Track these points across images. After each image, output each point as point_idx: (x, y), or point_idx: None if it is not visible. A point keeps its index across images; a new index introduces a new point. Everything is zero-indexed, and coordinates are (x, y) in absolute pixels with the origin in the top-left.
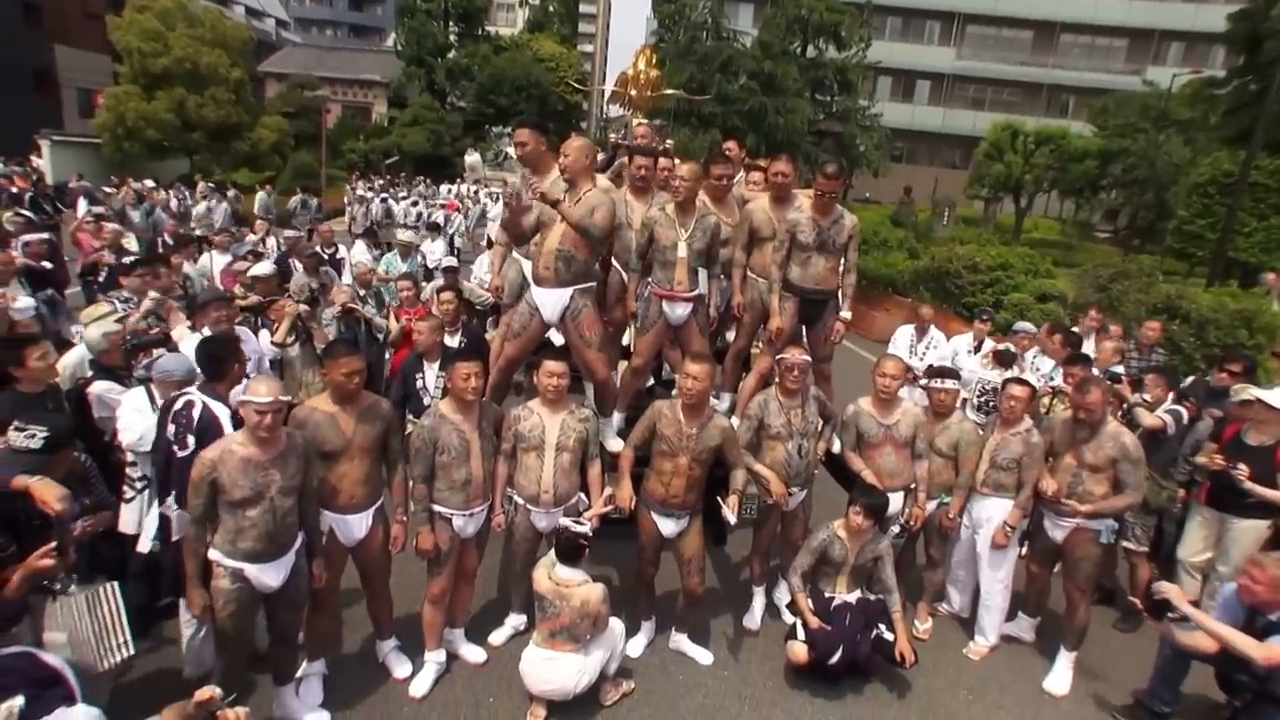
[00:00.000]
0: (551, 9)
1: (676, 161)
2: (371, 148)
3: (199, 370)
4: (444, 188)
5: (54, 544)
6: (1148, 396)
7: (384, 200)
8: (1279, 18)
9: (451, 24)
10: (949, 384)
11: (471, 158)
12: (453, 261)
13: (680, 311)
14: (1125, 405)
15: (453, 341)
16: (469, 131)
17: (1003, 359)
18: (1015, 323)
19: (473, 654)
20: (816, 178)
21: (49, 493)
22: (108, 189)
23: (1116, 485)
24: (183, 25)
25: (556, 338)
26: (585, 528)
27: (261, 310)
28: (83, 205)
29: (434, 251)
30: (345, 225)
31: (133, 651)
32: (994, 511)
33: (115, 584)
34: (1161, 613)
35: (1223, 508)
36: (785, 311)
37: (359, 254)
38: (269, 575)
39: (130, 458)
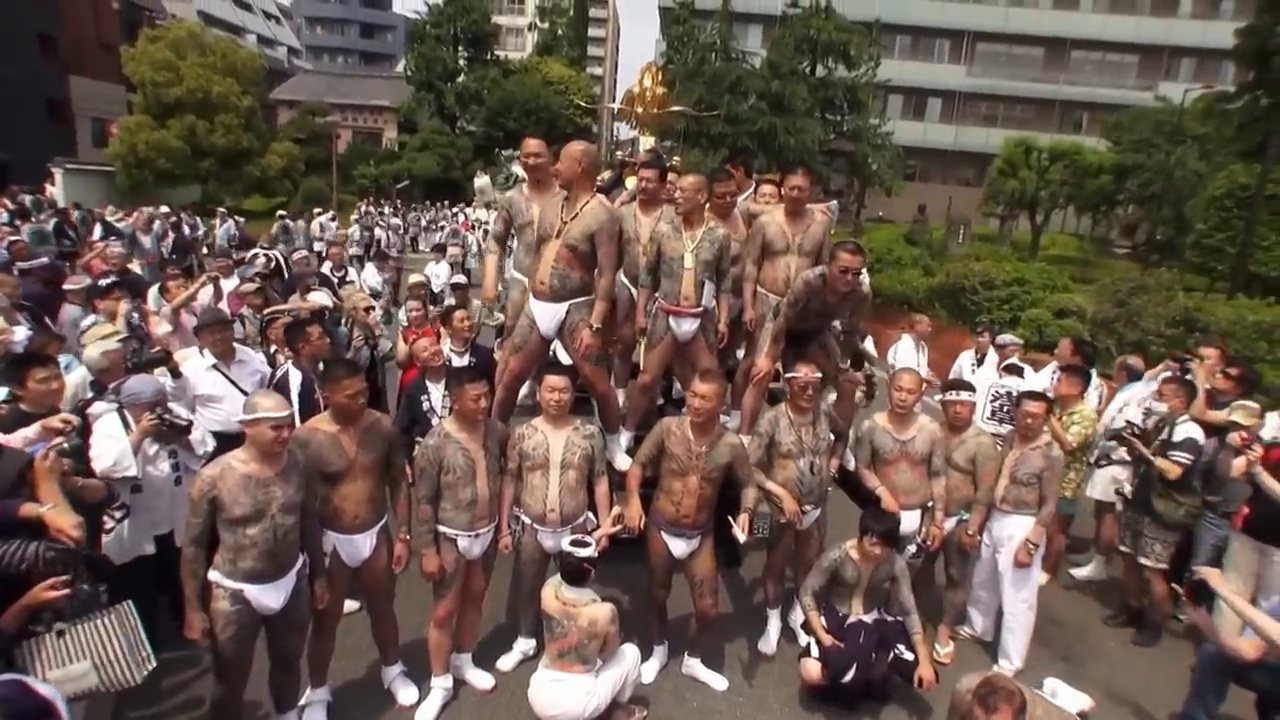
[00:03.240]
0: (560, 32)
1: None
2: (382, 172)
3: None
4: (460, 210)
5: (64, 576)
6: (1164, 407)
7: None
8: None
9: (461, 49)
10: (965, 396)
11: (481, 180)
12: (461, 279)
13: (686, 327)
14: (1140, 457)
15: (461, 361)
16: (479, 155)
17: (1011, 372)
18: (1000, 334)
19: (480, 680)
20: (834, 259)
21: (64, 521)
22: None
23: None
24: (194, 55)
25: (564, 355)
26: (588, 551)
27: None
28: (97, 232)
29: (439, 275)
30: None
31: (155, 664)
32: (1015, 529)
33: (130, 602)
34: (1203, 598)
35: (1263, 537)
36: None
37: (369, 277)
38: (269, 596)
39: None
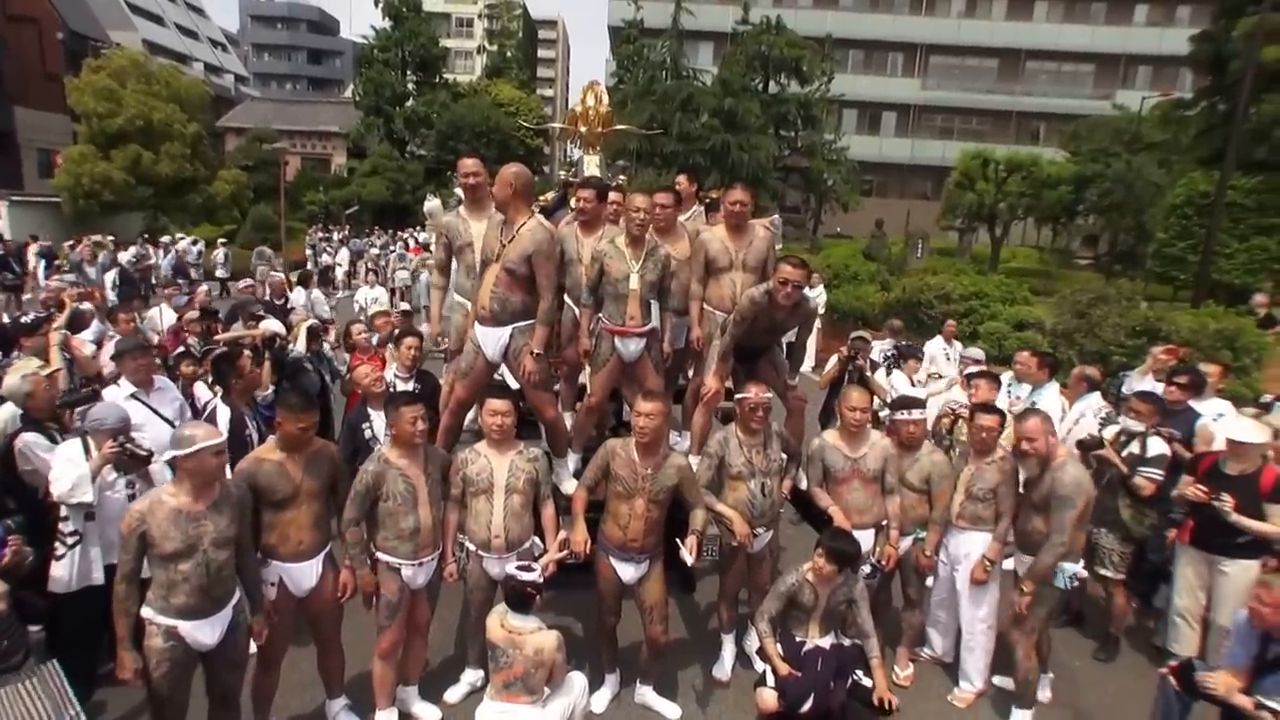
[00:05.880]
0: (509, 55)
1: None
2: (331, 198)
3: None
4: (411, 235)
5: None
6: (1140, 426)
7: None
8: (1240, 39)
9: (409, 73)
10: (916, 414)
11: (431, 203)
12: (405, 306)
13: (633, 348)
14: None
15: (406, 388)
16: (430, 179)
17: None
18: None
19: (427, 713)
20: (775, 271)
21: None
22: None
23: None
24: (137, 83)
25: (511, 380)
26: (533, 575)
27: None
28: (42, 267)
29: (378, 299)
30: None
31: None
32: (972, 546)
33: (55, 661)
34: (1191, 690)
35: (1209, 548)
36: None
37: (318, 304)
38: (204, 633)
39: (63, 512)
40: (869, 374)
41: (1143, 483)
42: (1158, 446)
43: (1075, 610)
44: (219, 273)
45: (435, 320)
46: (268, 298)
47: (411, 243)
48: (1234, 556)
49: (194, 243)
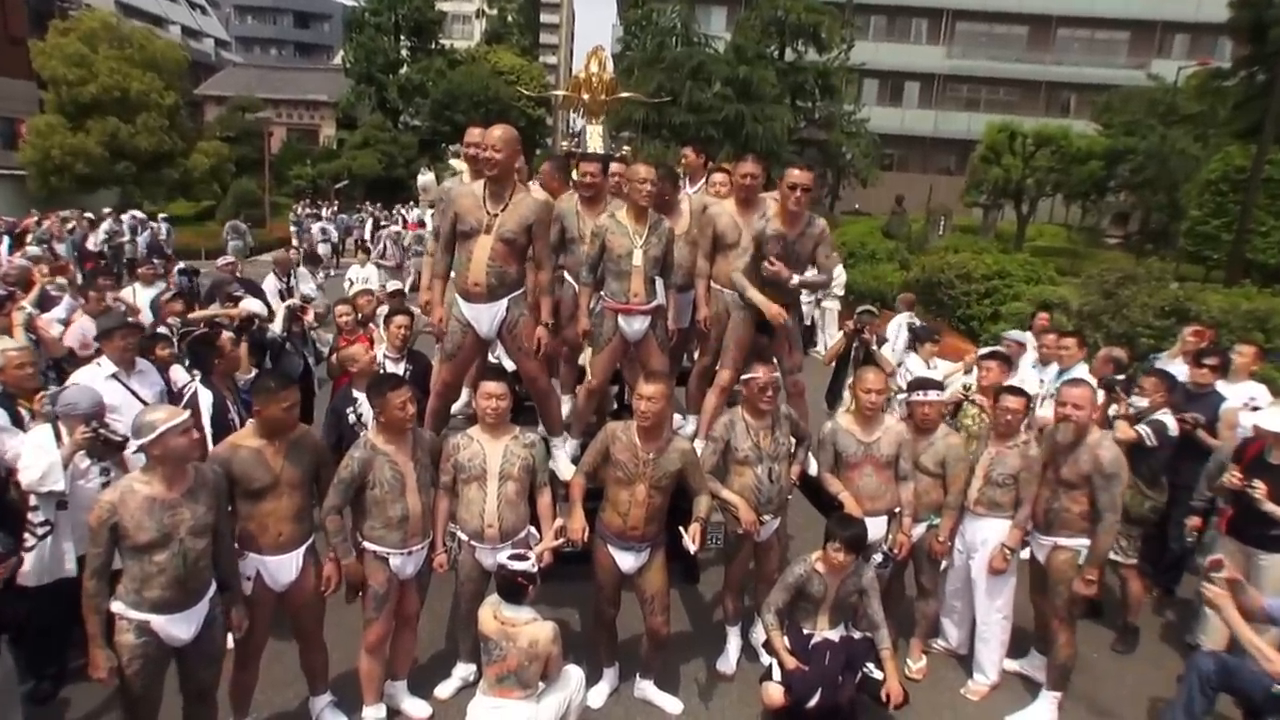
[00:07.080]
0: (510, 19)
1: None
2: (319, 172)
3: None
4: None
5: None
6: (1145, 402)
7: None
8: None
9: (403, 38)
10: (932, 395)
11: (425, 177)
12: (398, 284)
13: (638, 326)
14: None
15: (397, 369)
16: (424, 151)
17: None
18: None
19: (416, 709)
20: (782, 180)
21: None
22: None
23: (1094, 503)
24: (109, 47)
25: (508, 363)
26: (524, 565)
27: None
28: (5, 244)
29: (370, 278)
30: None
31: None
32: (990, 533)
33: None
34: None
35: (1246, 539)
36: (742, 321)
37: (303, 282)
38: (178, 627)
39: (33, 501)
40: (874, 348)
41: (1124, 428)
42: (1162, 417)
43: (1094, 600)
44: None
45: (425, 286)
46: (273, 275)
47: (400, 222)
48: (1270, 550)
49: (134, 218)
